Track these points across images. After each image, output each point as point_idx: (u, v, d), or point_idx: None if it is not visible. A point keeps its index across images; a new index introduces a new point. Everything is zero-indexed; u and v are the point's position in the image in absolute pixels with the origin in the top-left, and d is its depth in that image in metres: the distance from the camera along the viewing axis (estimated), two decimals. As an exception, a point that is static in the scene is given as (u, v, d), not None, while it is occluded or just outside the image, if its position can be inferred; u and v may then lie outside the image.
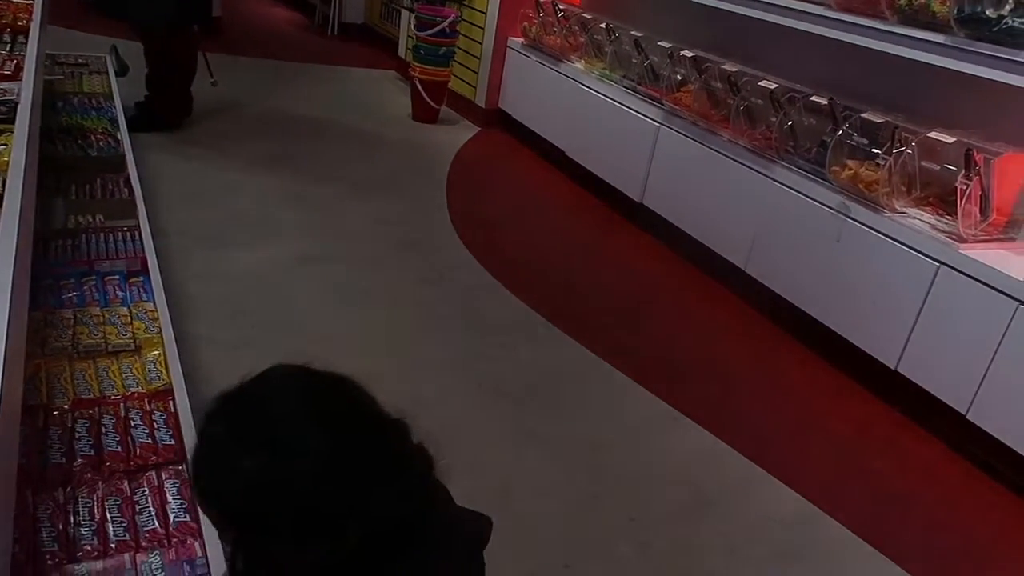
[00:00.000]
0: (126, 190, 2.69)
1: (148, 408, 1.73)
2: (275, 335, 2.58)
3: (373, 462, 0.84)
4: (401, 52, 6.23)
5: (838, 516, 2.19)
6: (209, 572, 1.34)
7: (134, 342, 1.93)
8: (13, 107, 1.72)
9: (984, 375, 2.40)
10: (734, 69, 3.42)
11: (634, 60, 4.05)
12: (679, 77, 3.73)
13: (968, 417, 2.46)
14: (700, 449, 2.41)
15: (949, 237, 2.54)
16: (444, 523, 0.94)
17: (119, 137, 3.18)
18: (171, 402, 1.76)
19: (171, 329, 2.01)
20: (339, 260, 3.22)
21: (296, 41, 7.30)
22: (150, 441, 1.63)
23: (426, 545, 0.88)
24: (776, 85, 3.20)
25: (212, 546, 1.38)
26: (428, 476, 0.91)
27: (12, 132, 1.63)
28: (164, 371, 1.86)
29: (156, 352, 1.91)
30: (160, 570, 1.33)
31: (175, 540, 1.42)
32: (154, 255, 2.34)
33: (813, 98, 3.05)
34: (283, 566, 0.83)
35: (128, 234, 2.40)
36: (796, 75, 3.26)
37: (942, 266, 2.52)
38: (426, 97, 5.13)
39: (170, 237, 2.99)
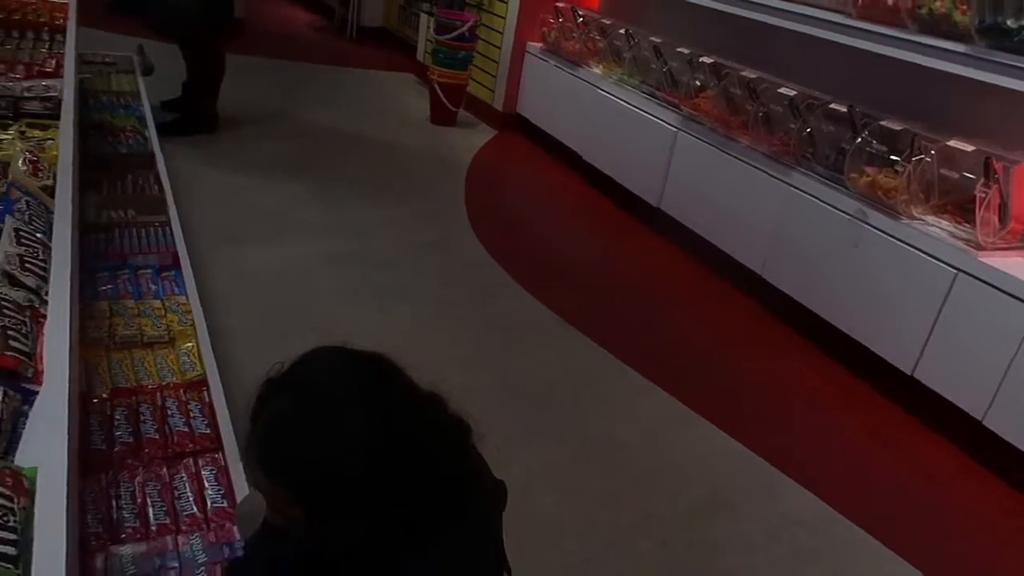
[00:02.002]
0: (156, 186, 2.74)
1: (184, 398, 1.77)
2: (302, 331, 2.62)
3: (423, 435, 0.89)
4: (419, 56, 6.29)
5: (855, 518, 2.21)
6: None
7: (168, 334, 1.98)
8: (57, 103, 1.77)
9: (1001, 382, 2.42)
10: (753, 76, 3.46)
11: (653, 66, 4.09)
12: (698, 83, 3.76)
13: (984, 423, 2.48)
14: (717, 450, 2.44)
15: (967, 244, 2.56)
16: (483, 488, 0.99)
17: (146, 135, 3.24)
18: (206, 392, 1.80)
19: (204, 322, 2.06)
20: (361, 259, 3.27)
21: (315, 43, 7.38)
22: (187, 430, 1.68)
23: (471, 510, 0.94)
24: (795, 92, 3.23)
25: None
26: (469, 445, 0.96)
27: (57, 127, 1.67)
28: (198, 362, 1.90)
29: (190, 344, 1.96)
30: (201, 552, 1.37)
31: (213, 524, 1.46)
32: (185, 250, 2.39)
33: (832, 105, 3.08)
34: (346, 535, 0.88)
35: (159, 229, 2.46)
36: (815, 82, 3.30)
37: (960, 273, 2.54)
38: (444, 100, 5.18)
39: (196, 234, 3.04)
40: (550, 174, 4.78)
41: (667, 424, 2.52)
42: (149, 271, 2.25)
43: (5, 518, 0.78)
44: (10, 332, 1.02)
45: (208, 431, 1.69)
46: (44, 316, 1.10)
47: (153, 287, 2.18)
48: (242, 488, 1.53)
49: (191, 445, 1.64)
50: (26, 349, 1.02)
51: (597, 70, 4.50)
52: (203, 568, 1.35)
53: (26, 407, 0.97)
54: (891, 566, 2.08)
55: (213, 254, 2.97)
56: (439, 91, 5.16)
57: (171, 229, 2.47)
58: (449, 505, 0.93)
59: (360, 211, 3.76)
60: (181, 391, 1.79)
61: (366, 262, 3.25)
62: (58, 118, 1.70)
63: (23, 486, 0.84)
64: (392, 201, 3.94)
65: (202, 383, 1.84)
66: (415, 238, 3.56)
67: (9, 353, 1.00)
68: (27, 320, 1.07)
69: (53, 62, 2.07)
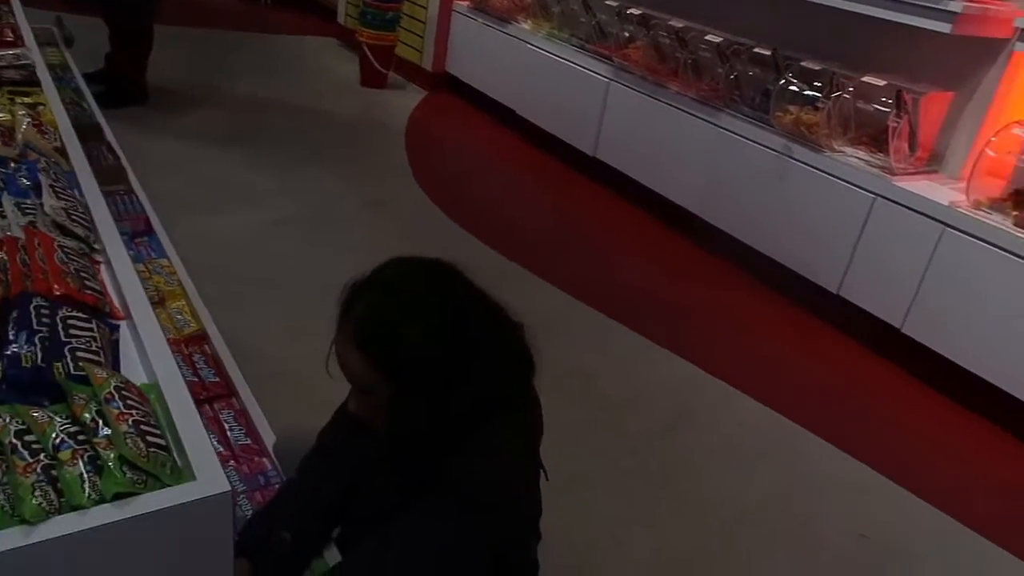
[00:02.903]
0: (110, 156, 2.72)
1: (186, 351, 1.84)
2: (269, 291, 2.70)
3: (488, 323, 1.07)
4: (340, 19, 6.24)
5: (800, 421, 2.48)
6: (282, 480, 1.49)
7: (158, 295, 2.02)
8: (31, 71, 1.78)
9: (916, 292, 2.72)
10: (680, 24, 3.64)
11: (582, 19, 4.23)
12: (627, 34, 3.93)
13: (903, 331, 2.78)
14: (678, 374, 2.66)
15: (883, 171, 2.84)
16: (532, 397, 1.15)
17: (85, 106, 3.16)
18: (207, 346, 1.87)
19: (190, 280, 2.11)
20: (316, 221, 3.33)
21: (231, 10, 7.16)
22: (196, 379, 1.76)
23: (527, 396, 1.10)
24: (721, 38, 3.44)
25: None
26: (526, 348, 1.12)
27: (39, 93, 1.69)
28: (192, 319, 1.97)
29: (180, 303, 2.02)
30: (238, 482, 1.47)
31: (242, 459, 1.56)
32: (155, 215, 2.41)
33: (756, 50, 3.30)
34: (432, 415, 1.03)
35: (124, 198, 2.46)
36: (740, 28, 3.51)
37: (877, 198, 2.82)
38: (375, 62, 5.19)
39: (152, 204, 3.03)
40: (487, 131, 4.88)
41: (630, 354, 2.73)
42: (124, 238, 2.26)
43: (147, 419, 0.89)
44: (83, 274, 1.09)
45: (217, 379, 1.78)
46: (98, 262, 1.17)
47: (131, 252, 2.21)
48: (265, 429, 1.63)
49: (204, 393, 1.73)
50: (98, 288, 1.10)
51: (526, 26, 4.61)
52: (244, 494, 1.45)
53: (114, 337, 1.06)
54: (835, 460, 2.35)
55: (170, 224, 2.95)
56: (368, 53, 5.16)
57: (135, 197, 2.47)
58: (505, 399, 1.10)
59: (305, 175, 3.79)
60: (182, 345, 1.86)
61: (322, 224, 3.31)
62: (35, 85, 1.71)
63: (146, 398, 0.94)
64: (335, 164, 3.98)
65: (201, 337, 1.91)
66: (365, 198, 3.63)
67: (88, 291, 1.08)
68: (89, 265, 1.14)
69: (10, 32, 2.05)
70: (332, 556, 1.29)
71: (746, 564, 1.93)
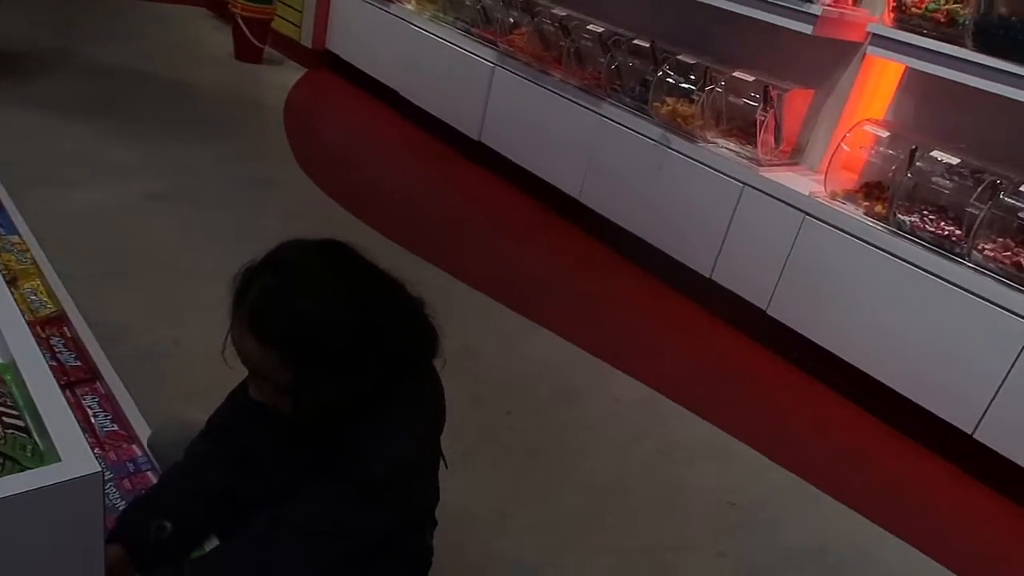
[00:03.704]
0: (-51, 123, 2.48)
1: (43, 334, 1.71)
2: (138, 270, 2.55)
3: (387, 307, 1.03)
4: (213, -12, 5.93)
5: (675, 397, 2.59)
6: (153, 467, 1.42)
7: (9, 274, 1.86)
8: None
9: (780, 274, 2.91)
10: (564, 13, 3.70)
11: (467, 3, 4.22)
12: (512, 20, 3.95)
13: (768, 312, 2.97)
14: (559, 352, 2.72)
15: (750, 162, 3.00)
16: (433, 370, 1.16)
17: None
18: (67, 328, 1.75)
19: (45, 258, 1.96)
20: (190, 198, 3.16)
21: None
22: (55, 363, 1.63)
23: (433, 383, 1.10)
24: (603, 29, 3.52)
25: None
26: (422, 314, 1.12)
27: None
28: (48, 299, 1.83)
29: (35, 282, 1.87)
30: (106, 469, 1.39)
31: (109, 446, 1.47)
32: (3, 188, 2.21)
33: (635, 41, 3.40)
34: (325, 393, 1.00)
35: (-34, 169, 2.25)
36: (621, 20, 3.60)
37: (746, 187, 2.98)
38: (249, 35, 4.97)
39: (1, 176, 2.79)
40: (369, 111, 4.79)
41: (514, 335, 2.77)
42: (-34, 212, 2.07)
43: (2, 400, 0.82)
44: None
45: (79, 363, 1.66)
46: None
47: (-25, 228, 2.02)
48: (133, 414, 1.54)
49: (65, 378, 1.61)
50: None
51: (410, 6, 4.55)
52: (112, 482, 1.37)
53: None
54: (707, 433, 2.48)
55: (20, 198, 2.72)
56: (243, 26, 4.94)
57: (-20, 168, 2.27)
58: (408, 370, 1.10)
59: (175, 150, 3.59)
60: (38, 328, 1.73)
61: (196, 201, 3.15)
62: None
63: (2, 379, 0.87)
64: (208, 140, 3.79)
65: (60, 319, 1.78)
66: (243, 176, 3.48)
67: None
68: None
69: None
70: (210, 543, 1.25)
71: (624, 530, 2.01)
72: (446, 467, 1.30)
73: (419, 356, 1.14)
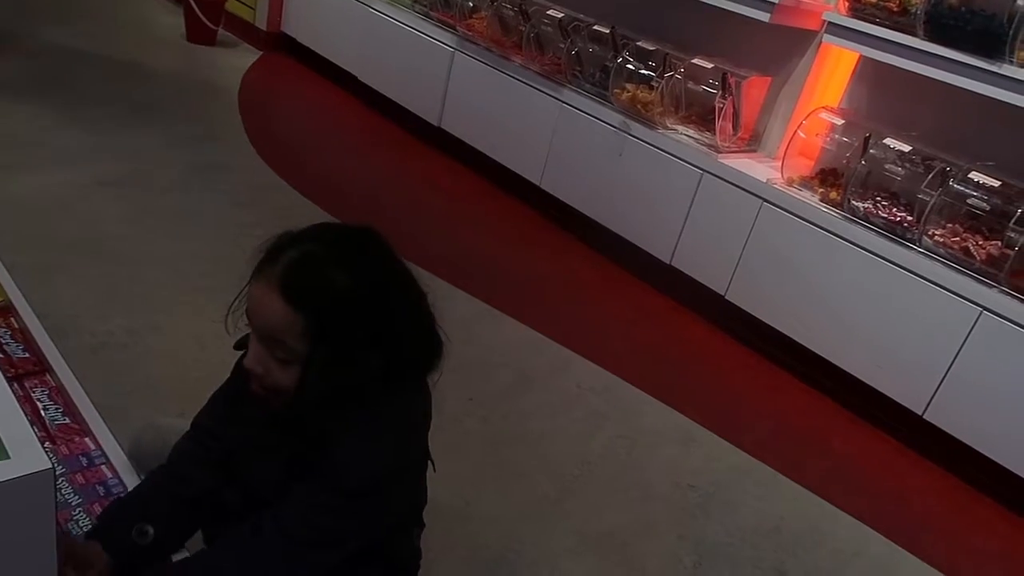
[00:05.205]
0: None
1: (-12, 326, 1.65)
2: (90, 258, 2.48)
3: (408, 309, 1.11)
4: (163, -33, 5.76)
5: (635, 382, 2.62)
6: (107, 461, 1.38)
7: (-50, 263, 1.80)
8: None
9: (738, 261, 2.95)
10: (524, -2, 3.68)
11: (426, -14, 4.16)
12: (471, 4, 3.91)
13: (727, 298, 3.01)
14: (520, 338, 2.73)
15: (709, 149, 3.03)
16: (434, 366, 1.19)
17: None
18: (13, 319, 1.69)
19: (-10, 248, 1.89)
20: (143, 183, 3.08)
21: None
22: (2, 355, 1.58)
23: (423, 386, 1.16)
24: (563, 14, 3.51)
25: (105, 440, 1.42)
26: (435, 328, 1.16)
27: None
28: (-6, 290, 1.77)
29: (-22, 272, 1.80)
30: (58, 464, 1.35)
31: (60, 440, 1.43)
32: (-56, 174, 2.13)
33: (595, 27, 3.40)
34: (336, 380, 1.05)
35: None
36: (581, 5, 3.59)
37: (704, 173, 3.01)
38: (202, 17, 4.84)
39: (-63, 161, 2.69)
40: (326, 96, 4.71)
41: (475, 320, 2.76)
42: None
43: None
44: None
45: (27, 355, 1.61)
46: None
47: (-85, 215, 1.94)
48: (86, 406, 1.50)
49: (12, 370, 1.56)
50: None
51: (368, -11, 4.47)
52: (64, 477, 1.33)
53: None
54: (668, 417, 2.51)
55: (-37, 183, 2.65)
56: (195, 7, 4.81)
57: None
58: (408, 380, 1.13)
59: (125, 134, 3.49)
60: (-16, 319, 1.67)
61: (147, 186, 3.07)
62: None
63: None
64: (160, 123, 3.69)
65: (5, 310, 1.72)
66: (194, 161, 3.40)
67: None
68: None
69: None
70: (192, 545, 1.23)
71: (585, 514, 2.03)
72: (434, 470, 1.30)
73: (422, 367, 1.16)
